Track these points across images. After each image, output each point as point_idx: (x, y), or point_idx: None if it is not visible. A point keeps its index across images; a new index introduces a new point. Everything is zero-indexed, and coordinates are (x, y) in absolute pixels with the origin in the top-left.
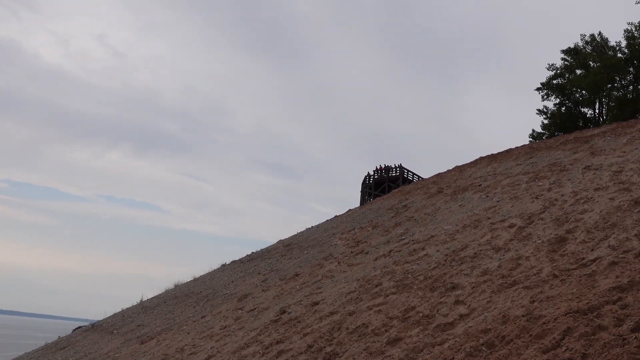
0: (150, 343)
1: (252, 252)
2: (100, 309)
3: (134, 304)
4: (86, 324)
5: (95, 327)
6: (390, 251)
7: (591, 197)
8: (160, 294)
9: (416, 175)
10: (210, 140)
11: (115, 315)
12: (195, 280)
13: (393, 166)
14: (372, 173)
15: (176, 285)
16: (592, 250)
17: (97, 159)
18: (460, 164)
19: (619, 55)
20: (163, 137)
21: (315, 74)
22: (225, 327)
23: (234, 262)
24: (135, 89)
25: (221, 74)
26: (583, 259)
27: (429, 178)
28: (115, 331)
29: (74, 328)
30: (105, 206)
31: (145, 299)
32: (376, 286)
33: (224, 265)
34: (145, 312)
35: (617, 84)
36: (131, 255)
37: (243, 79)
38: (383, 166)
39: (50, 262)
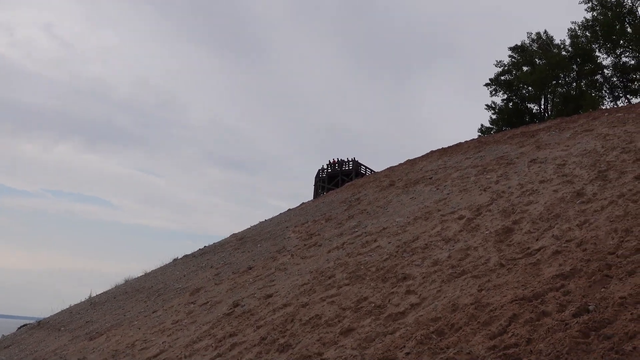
0: (100, 339)
1: (205, 246)
2: (47, 307)
3: (83, 300)
4: (32, 321)
5: (42, 325)
6: (343, 243)
7: (536, 190)
8: (109, 290)
9: (369, 169)
10: (164, 135)
11: (62, 312)
12: (146, 275)
13: (346, 160)
14: (325, 167)
15: (126, 281)
16: (537, 240)
17: (45, 153)
18: (412, 157)
19: (563, 53)
20: (115, 130)
21: (270, 70)
22: (177, 322)
23: (186, 256)
24: (85, 81)
25: (175, 68)
26: (528, 248)
27: (382, 171)
28: (62, 328)
29: (19, 326)
30: (52, 201)
31: (94, 295)
32: (329, 278)
33: (175, 260)
34: (94, 308)
35: (562, 80)
36: (80, 251)
37: (198, 74)
38: (336, 160)
39: None
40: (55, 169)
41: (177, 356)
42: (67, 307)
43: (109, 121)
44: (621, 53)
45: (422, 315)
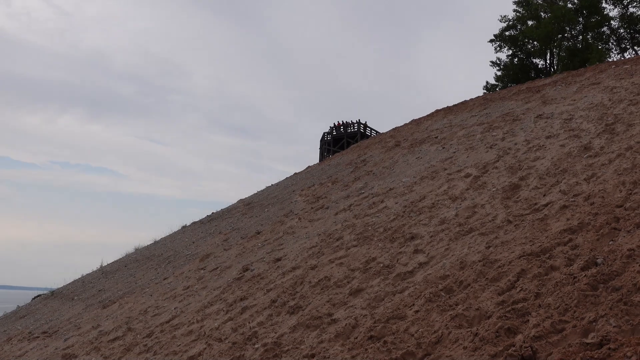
0: (113, 307)
1: (213, 213)
2: (59, 277)
3: (94, 269)
4: (46, 292)
5: (55, 295)
6: (350, 205)
7: (543, 145)
8: (120, 259)
9: (374, 130)
10: (168, 103)
11: (75, 282)
12: (155, 243)
13: (351, 122)
14: (331, 129)
15: (136, 249)
16: (544, 195)
17: (48, 125)
18: (417, 117)
19: (569, 5)
20: (118, 100)
21: (272, 33)
22: (188, 288)
23: (194, 223)
24: (86, 51)
25: (175, 34)
26: (536, 204)
27: (387, 132)
28: (75, 297)
29: (33, 297)
30: (60, 173)
31: (105, 264)
32: (337, 240)
33: (184, 227)
34: (105, 277)
35: (567, 34)
36: (89, 222)
37: (198, 40)
38: (341, 122)
39: (5, 233)
40: (60, 140)
41: (190, 321)
42: (79, 276)
43: (111, 91)
44: (628, 3)
45: (430, 273)
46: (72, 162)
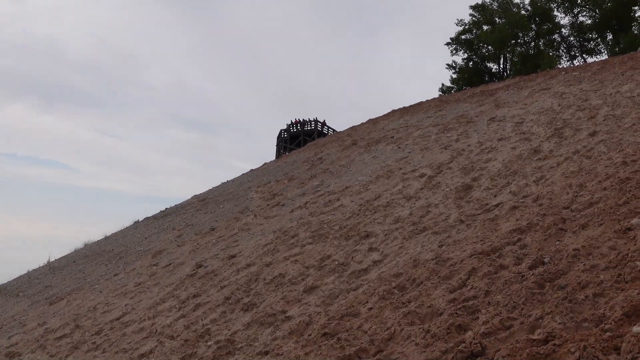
0: (60, 304)
1: (166, 208)
2: (3, 273)
3: (41, 265)
4: None
5: None
6: (306, 203)
7: (495, 147)
8: (69, 254)
9: (331, 128)
10: (124, 95)
11: (20, 277)
12: (106, 238)
13: (308, 120)
14: (288, 126)
15: (86, 245)
16: (495, 196)
17: None
18: (374, 117)
19: (523, 12)
20: (72, 90)
21: (230, 27)
22: (139, 284)
23: (147, 218)
24: (38, 39)
25: (133, 25)
26: (487, 204)
27: (344, 131)
28: (21, 294)
29: None
30: (5, 164)
31: (53, 259)
32: (292, 237)
33: (136, 222)
34: (53, 273)
35: (521, 40)
36: (36, 216)
37: (156, 31)
38: (298, 120)
39: None
40: (7, 131)
41: (141, 318)
42: (25, 272)
43: (65, 81)
44: (578, 12)
45: (384, 271)
46: (19, 154)
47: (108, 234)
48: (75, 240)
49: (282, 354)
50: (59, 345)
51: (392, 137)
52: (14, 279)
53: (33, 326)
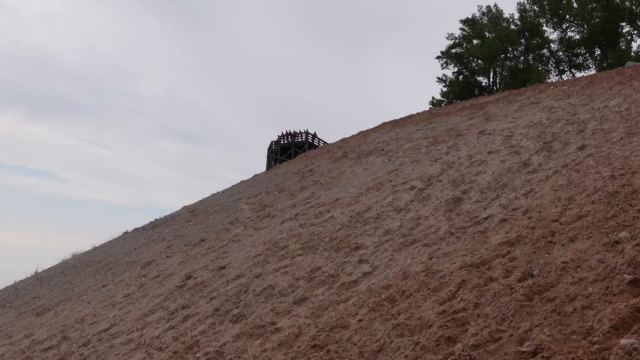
0: (47, 315)
1: (156, 219)
2: None
3: (29, 275)
4: None
5: None
6: (296, 214)
7: (485, 160)
8: (57, 265)
9: (322, 140)
10: (114, 106)
11: (7, 288)
12: (95, 249)
13: (299, 132)
14: (278, 138)
15: (74, 255)
16: (484, 209)
17: None
18: (364, 129)
19: (512, 27)
20: (62, 100)
21: (222, 38)
22: (128, 295)
23: (136, 229)
24: (30, 49)
25: (124, 36)
26: (477, 217)
27: (335, 143)
28: (7, 304)
29: None
30: None
31: (41, 270)
32: (283, 249)
33: (125, 233)
34: (40, 284)
35: (510, 54)
36: (24, 226)
37: (148, 42)
38: (289, 132)
39: None
40: None
41: (129, 329)
42: (12, 282)
43: (55, 91)
44: (567, 28)
45: (374, 283)
46: (7, 164)
47: (97, 245)
48: (63, 250)
49: None
50: (45, 357)
51: (383, 150)
52: (1, 290)
53: (19, 337)
